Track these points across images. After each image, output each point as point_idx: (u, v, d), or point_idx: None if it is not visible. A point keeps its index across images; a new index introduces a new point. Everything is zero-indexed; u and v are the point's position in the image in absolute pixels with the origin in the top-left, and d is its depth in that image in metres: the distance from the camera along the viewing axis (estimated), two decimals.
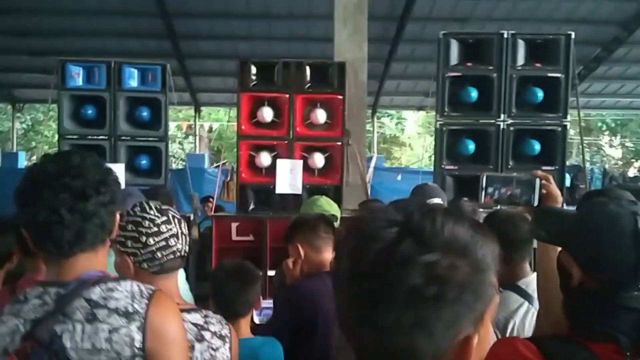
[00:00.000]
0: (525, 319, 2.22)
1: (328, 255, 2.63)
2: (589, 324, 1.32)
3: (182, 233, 1.80)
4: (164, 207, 1.81)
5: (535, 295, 2.19)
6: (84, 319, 1.35)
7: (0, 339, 1.37)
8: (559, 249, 1.46)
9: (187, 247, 1.84)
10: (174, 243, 1.75)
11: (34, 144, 20.98)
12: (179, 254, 1.79)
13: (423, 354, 0.77)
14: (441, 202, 3.28)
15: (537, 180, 1.77)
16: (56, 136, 4.80)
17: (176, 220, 1.79)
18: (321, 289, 2.46)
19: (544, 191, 1.77)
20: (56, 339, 1.32)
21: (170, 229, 1.76)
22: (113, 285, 1.41)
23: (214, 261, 4.33)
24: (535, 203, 1.76)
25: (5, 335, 1.37)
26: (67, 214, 1.37)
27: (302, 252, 2.67)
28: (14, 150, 14.92)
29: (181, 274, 2.83)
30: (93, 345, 1.33)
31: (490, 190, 1.83)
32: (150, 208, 1.77)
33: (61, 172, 1.40)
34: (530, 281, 2.27)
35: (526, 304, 2.28)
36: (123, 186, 4.30)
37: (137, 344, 1.35)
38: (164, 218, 1.76)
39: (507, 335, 2.21)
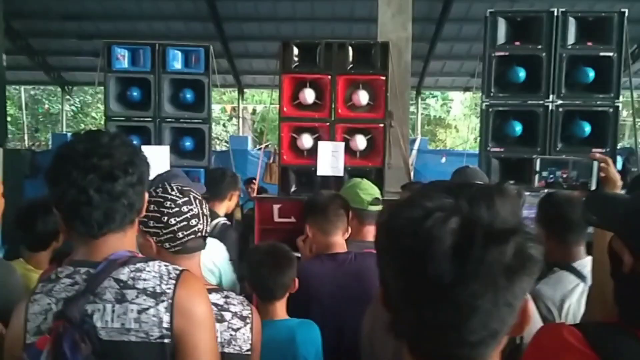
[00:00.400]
0: (581, 299, 2.20)
1: (337, 238, 2.64)
2: (638, 312, 1.26)
3: (203, 214, 1.81)
4: (185, 188, 1.82)
5: (589, 277, 2.19)
6: (114, 299, 1.36)
7: (34, 317, 1.39)
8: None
9: (208, 228, 1.85)
10: (195, 223, 1.77)
11: (82, 125, 21.54)
12: (199, 234, 1.81)
13: (507, 327, 0.81)
14: None
15: (595, 163, 1.69)
16: (104, 118, 4.87)
17: (197, 201, 1.80)
18: (317, 270, 2.52)
19: (602, 174, 1.69)
20: (87, 318, 1.33)
21: (192, 209, 1.77)
22: (141, 266, 1.42)
23: (256, 242, 4.35)
24: (593, 187, 1.69)
25: (38, 314, 1.39)
26: (95, 194, 1.37)
27: (310, 233, 2.68)
28: (64, 132, 15.35)
29: (225, 254, 2.86)
30: (122, 325, 1.35)
31: (545, 173, 1.76)
32: (172, 189, 1.79)
33: (89, 151, 1.40)
34: (586, 263, 2.27)
35: (582, 284, 2.27)
36: (168, 167, 4.39)
37: (165, 325, 1.36)
38: (185, 199, 1.78)
39: (564, 313, 2.23)
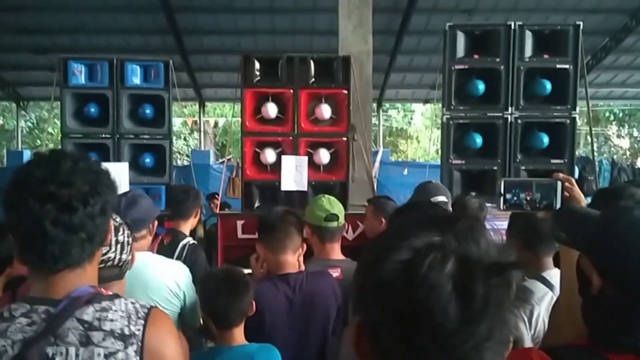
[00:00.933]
0: (549, 307, 2.21)
1: (287, 256, 2.57)
2: (608, 334, 1.26)
3: (117, 242, 1.70)
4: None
5: (557, 287, 2.22)
6: (78, 342, 1.27)
7: None
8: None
9: (125, 256, 1.73)
10: (104, 251, 1.63)
11: (39, 142, 21.03)
12: (111, 262, 1.69)
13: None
14: (446, 200, 3.22)
15: (559, 182, 1.70)
16: (60, 135, 4.75)
17: (113, 228, 1.65)
18: (268, 292, 2.45)
19: (566, 194, 1.70)
20: None
21: None
22: (107, 304, 1.32)
23: (219, 259, 4.28)
24: (558, 207, 1.70)
25: None
26: (50, 226, 1.27)
27: (260, 252, 2.64)
28: (19, 149, 14.96)
29: (189, 277, 2.79)
30: None
31: (509, 196, 1.76)
32: None
33: (47, 178, 1.28)
34: (554, 274, 2.31)
35: (550, 293, 2.31)
36: (127, 185, 4.30)
37: None
38: None
39: (534, 320, 2.26)
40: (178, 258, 3.62)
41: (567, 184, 1.71)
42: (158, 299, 2.58)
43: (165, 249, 3.65)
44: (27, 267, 1.36)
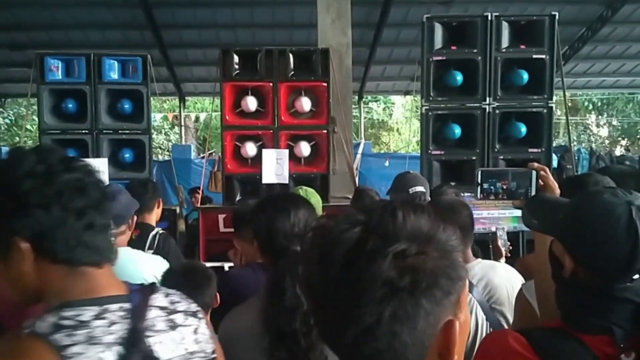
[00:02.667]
0: (470, 303, 2.21)
1: None
2: (580, 316, 1.29)
3: None
4: None
5: (474, 281, 2.24)
6: (168, 328, 1.28)
7: None
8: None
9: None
10: None
11: (17, 139, 20.77)
12: None
13: (408, 348, 0.77)
14: (423, 190, 3.25)
15: (534, 172, 1.74)
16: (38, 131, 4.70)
17: None
18: (248, 279, 2.44)
19: (541, 183, 1.74)
20: (154, 355, 1.23)
21: None
22: (164, 290, 1.36)
23: (201, 254, 4.29)
24: (533, 196, 1.74)
25: None
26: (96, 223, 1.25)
27: (237, 245, 2.65)
28: None
29: (165, 267, 2.79)
30: (186, 350, 1.29)
31: (485, 185, 1.80)
32: None
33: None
34: (471, 267, 2.30)
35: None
36: (106, 180, 4.27)
37: (211, 340, 1.36)
38: None
39: None
40: (150, 248, 3.62)
41: (542, 172, 1.75)
42: None
43: (135, 242, 3.64)
44: (51, 270, 1.21)
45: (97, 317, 1.19)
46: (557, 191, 1.74)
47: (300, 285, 0.86)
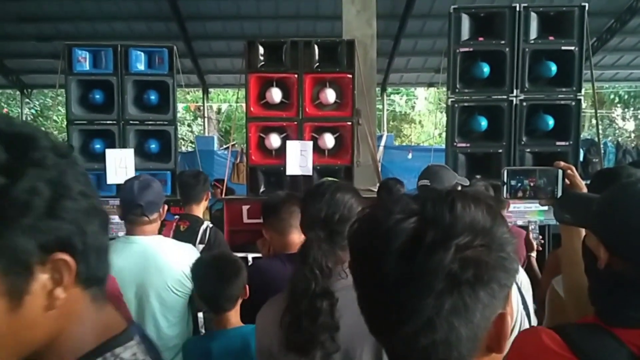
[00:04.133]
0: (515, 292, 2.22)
1: (293, 236, 2.57)
2: (616, 309, 1.27)
3: None
4: None
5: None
6: None
7: None
8: (583, 235, 1.42)
9: None
10: None
11: (43, 129, 21.04)
12: None
13: (462, 340, 0.77)
14: (466, 183, 3.23)
15: (560, 171, 1.73)
16: (65, 121, 4.75)
17: None
18: (276, 269, 2.44)
19: (567, 182, 1.72)
20: None
21: None
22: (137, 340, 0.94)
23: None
24: (559, 194, 1.73)
25: None
26: None
27: (267, 235, 2.66)
28: None
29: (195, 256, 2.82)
30: None
31: (513, 183, 1.79)
32: None
33: None
34: None
35: None
36: (133, 171, 4.32)
37: None
38: None
39: None
40: (201, 242, 3.66)
41: (568, 172, 1.74)
42: (172, 283, 2.63)
43: (184, 234, 3.69)
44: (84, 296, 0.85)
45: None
46: (584, 190, 1.73)
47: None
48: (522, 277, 2.31)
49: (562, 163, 1.75)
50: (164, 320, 2.64)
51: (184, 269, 2.64)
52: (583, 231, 1.45)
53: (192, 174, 4.07)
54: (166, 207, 2.80)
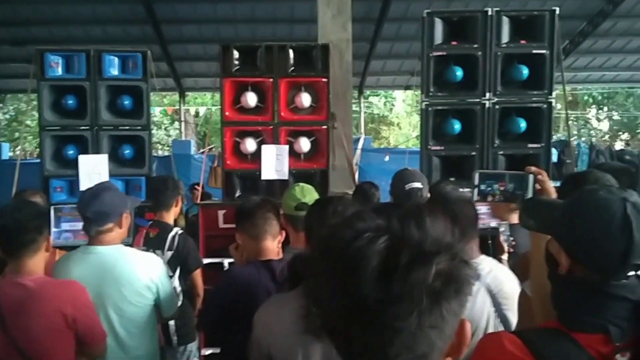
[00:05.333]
0: (476, 297, 2.20)
1: (267, 242, 2.58)
2: (576, 314, 1.29)
3: None
4: None
5: (483, 274, 2.23)
6: None
7: None
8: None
9: None
10: None
11: (17, 134, 20.76)
12: None
13: (437, 351, 0.79)
14: (420, 186, 3.25)
15: (531, 176, 1.75)
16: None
17: None
18: (250, 276, 2.45)
19: (537, 186, 1.75)
20: None
21: None
22: None
23: (201, 249, 4.29)
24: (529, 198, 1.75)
25: None
26: None
27: (240, 240, 2.65)
28: None
29: (163, 269, 2.79)
30: None
31: (483, 187, 1.81)
32: None
33: None
34: (479, 262, 2.26)
35: (477, 282, 2.26)
36: (107, 177, 4.28)
37: None
38: None
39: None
40: (169, 249, 3.63)
41: (539, 177, 1.76)
42: (129, 293, 2.58)
43: (153, 241, 3.66)
44: None
45: None
46: (554, 195, 1.75)
47: (316, 305, 0.82)
48: (491, 279, 2.30)
49: (533, 168, 1.78)
50: (124, 331, 2.58)
51: (143, 278, 2.61)
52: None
53: (160, 179, 4.05)
54: (128, 213, 2.73)
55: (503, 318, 2.20)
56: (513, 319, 2.22)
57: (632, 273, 1.28)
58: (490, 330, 2.12)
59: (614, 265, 1.26)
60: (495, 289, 2.23)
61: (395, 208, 0.84)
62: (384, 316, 0.75)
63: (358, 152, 10.06)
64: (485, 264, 2.29)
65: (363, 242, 0.77)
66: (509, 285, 2.28)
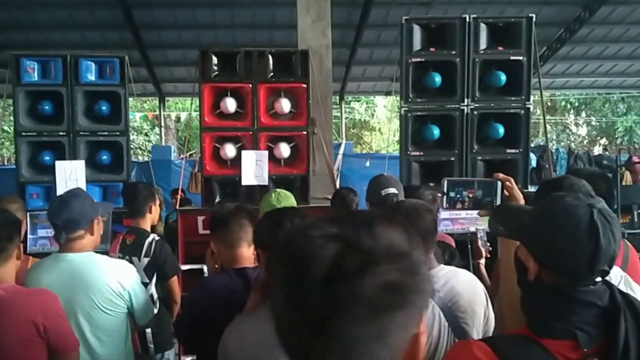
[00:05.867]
0: (433, 310, 2.13)
1: (242, 250, 2.54)
2: (545, 320, 1.30)
3: None
4: None
5: (438, 287, 2.15)
6: None
7: None
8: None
9: None
10: None
11: None
12: None
13: (386, 353, 0.77)
14: (396, 192, 3.24)
15: (499, 182, 1.76)
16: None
17: None
18: (224, 285, 2.41)
19: (506, 193, 1.76)
20: None
21: None
22: None
23: (180, 255, 4.26)
24: (498, 205, 1.76)
25: None
26: None
27: (214, 248, 2.63)
28: None
29: (135, 276, 2.76)
30: None
31: (452, 194, 1.81)
32: None
33: None
34: (435, 273, 2.20)
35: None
36: (84, 183, 4.23)
37: None
38: None
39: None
40: (146, 256, 3.59)
41: (507, 183, 1.77)
42: (100, 300, 2.54)
43: (130, 248, 3.62)
44: None
45: None
46: (522, 201, 1.76)
47: (276, 304, 0.82)
48: (445, 293, 2.24)
49: (501, 175, 1.78)
50: (95, 339, 2.55)
51: (114, 286, 2.58)
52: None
53: (131, 187, 4.01)
54: (100, 220, 2.71)
55: (460, 332, 2.13)
56: (472, 332, 2.18)
57: (599, 279, 1.30)
58: (443, 345, 2.08)
59: (581, 271, 1.27)
60: (449, 302, 2.16)
61: (348, 216, 0.83)
62: (325, 322, 0.74)
63: (339, 157, 10.07)
64: (442, 274, 2.22)
65: (314, 247, 0.76)
66: (466, 299, 2.19)
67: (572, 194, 1.37)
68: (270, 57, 4.44)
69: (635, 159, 10.98)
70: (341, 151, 10.70)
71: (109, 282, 2.57)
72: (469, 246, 3.76)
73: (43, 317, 2.14)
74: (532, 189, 4.35)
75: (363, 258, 0.75)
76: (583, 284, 1.28)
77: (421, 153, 4.43)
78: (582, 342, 1.24)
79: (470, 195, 1.79)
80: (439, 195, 2.43)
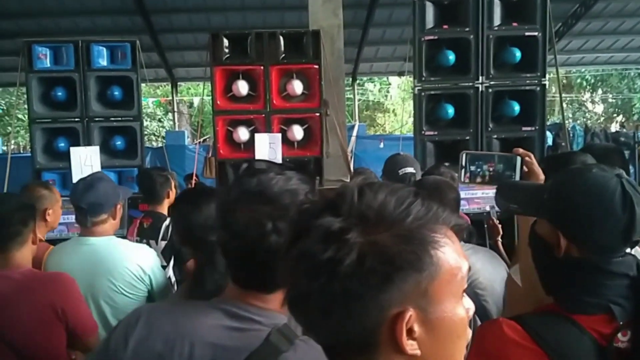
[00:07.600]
0: None
1: None
2: (575, 296, 1.27)
3: None
4: None
5: None
6: None
7: None
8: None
9: None
10: None
11: (9, 129, 20.63)
12: None
13: (352, 327, 0.75)
14: (413, 171, 3.21)
15: (519, 158, 1.72)
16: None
17: None
18: None
19: (525, 169, 1.72)
20: None
21: None
22: None
23: None
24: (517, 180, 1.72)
25: None
26: None
27: None
28: None
29: (156, 260, 2.77)
30: None
31: (472, 168, 1.77)
32: None
33: None
34: None
35: None
36: (99, 168, 4.24)
37: None
38: None
39: None
40: (163, 239, 3.61)
41: (527, 159, 1.73)
42: (121, 284, 2.56)
43: (147, 231, 3.65)
44: None
45: None
46: (542, 177, 1.71)
47: None
48: (495, 263, 2.24)
49: (521, 150, 1.74)
50: (116, 322, 2.58)
51: (135, 270, 2.59)
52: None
53: (147, 173, 4.02)
54: (121, 204, 2.73)
55: (481, 310, 2.13)
56: (493, 309, 2.16)
57: (628, 249, 1.27)
58: None
59: (617, 243, 1.25)
60: (469, 278, 2.17)
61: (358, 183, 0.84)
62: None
63: (353, 139, 10.03)
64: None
65: (311, 210, 0.81)
66: (486, 275, 2.19)
67: (596, 165, 1.33)
68: (281, 38, 4.41)
69: None
70: (354, 133, 10.67)
71: (130, 266, 2.58)
72: (485, 225, 3.73)
73: (61, 300, 2.16)
74: None
75: (333, 217, 0.77)
76: (616, 255, 1.25)
77: (435, 133, 4.38)
78: (618, 315, 1.22)
79: (491, 169, 1.75)
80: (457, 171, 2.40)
